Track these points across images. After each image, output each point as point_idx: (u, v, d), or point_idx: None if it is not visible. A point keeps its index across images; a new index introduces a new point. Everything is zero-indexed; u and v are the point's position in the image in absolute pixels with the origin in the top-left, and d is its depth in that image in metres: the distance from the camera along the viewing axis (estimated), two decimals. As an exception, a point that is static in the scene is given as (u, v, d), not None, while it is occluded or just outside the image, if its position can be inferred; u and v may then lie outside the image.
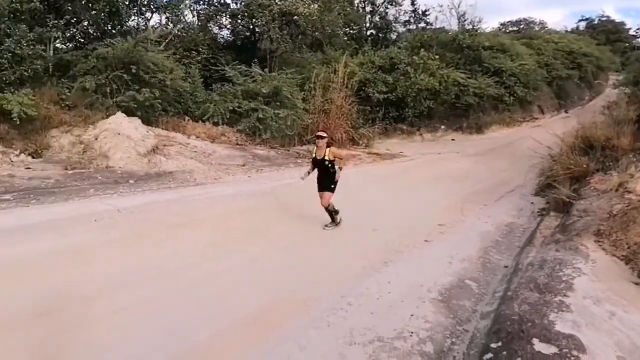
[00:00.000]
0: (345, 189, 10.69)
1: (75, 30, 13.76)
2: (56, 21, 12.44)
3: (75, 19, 13.56)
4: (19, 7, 11.38)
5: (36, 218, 7.11)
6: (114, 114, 11.06)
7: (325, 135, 7.33)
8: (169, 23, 15.80)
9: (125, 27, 14.12)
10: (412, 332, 4.22)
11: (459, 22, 24.34)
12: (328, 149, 7.16)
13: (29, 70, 10.99)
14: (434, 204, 9.59)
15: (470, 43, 20.96)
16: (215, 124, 13.18)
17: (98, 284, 4.96)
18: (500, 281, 5.64)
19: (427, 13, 26.02)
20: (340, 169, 7.20)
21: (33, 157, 9.96)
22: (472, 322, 4.57)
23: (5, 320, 4.13)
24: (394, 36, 25.65)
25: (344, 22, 20.45)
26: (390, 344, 4.03)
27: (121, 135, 10.63)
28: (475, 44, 21.09)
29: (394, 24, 25.90)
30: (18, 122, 9.79)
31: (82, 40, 14.03)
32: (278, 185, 10.60)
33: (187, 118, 12.99)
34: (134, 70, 11.63)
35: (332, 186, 7.18)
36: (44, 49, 11.81)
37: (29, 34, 11.21)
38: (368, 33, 24.91)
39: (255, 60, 15.23)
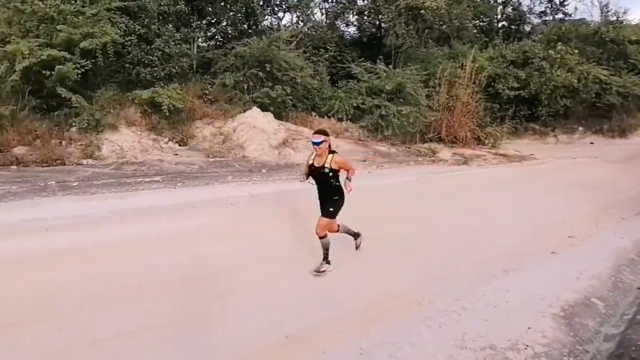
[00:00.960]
0: (465, 190, 10.14)
1: (215, 30, 15.01)
2: (199, 22, 13.72)
3: (215, 20, 14.80)
4: (167, 9, 12.68)
5: (182, 199, 7.97)
6: (250, 108, 11.91)
7: (325, 136, 5.02)
8: (299, 22, 16.52)
9: (260, 26, 15.02)
10: (527, 345, 3.93)
11: (602, 13, 21.79)
12: (331, 155, 4.99)
13: (176, 67, 12.23)
14: (565, 214, 8.68)
15: (614, 37, 18.51)
16: (340, 119, 13.46)
17: (234, 259, 5.37)
18: (631, 303, 5.00)
19: (565, 3, 23.64)
20: (349, 179, 5.05)
21: (179, 145, 11.14)
22: (594, 343, 4.11)
23: (160, 284, 4.65)
24: (527, 28, 23.76)
25: (473, 15, 19.42)
26: (502, 354, 3.79)
27: (256, 128, 11.39)
28: (620, 38, 18.57)
29: (527, 15, 24.00)
30: (167, 114, 11.00)
31: (221, 39, 15.25)
32: (396, 182, 10.53)
33: (313, 114, 13.48)
34: (268, 68, 12.33)
35: (332, 209, 5.00)
36: (188, 47, 13.06)
37: (176, 34, 12.47)
38: (499, 25, 23.40)
39: (381, 56, 15.21)
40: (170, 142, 11.05)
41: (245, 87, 12.43)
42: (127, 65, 11.49)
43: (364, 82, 14.05)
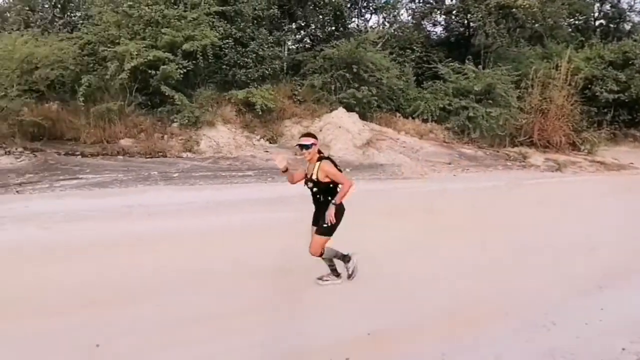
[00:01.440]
0: (559, 198, 9.49)
1: (304, 33, 15.42)
2: (290, 25, 14.16)
3: (304, 23, 15.19)
4: (261, 13, 13.23)
5: (272, 193, 8.32)
6: (336, 109, 12.12)
7: (311, 140, 4.12)
8: (386, 23, 16.55)
9: (347, 29, 15.21)
10: (620, 367, 3.58)
11: None
12: (318, 163, 4.06)
13: (269, 69, 12.71)
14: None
15: None
16: (425, 120, 13.28)
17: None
18: None
19: (672, -1, 21.50)
20: (334, 204, 4.03)
21: (270, 143, 11.57)
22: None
23: (251, 271, 4.74)
24: (627, 27, 22.05)
25: (568, 13, 18.29)
26: (594, 374, 3.51)
27: (341, 128, 11.56)
28: None
29: (628, 13, 22.25)
30: (260, 113, 11.50)
31: (310, 42, 15.64)
32: (483, 187, 10.16)
33: (398, 114, 13.41)
34: (355, 70, 12.46)
35: (325, 225, 4.11)
36: (280, 50, 13.54)
37: (269, 37, 12.98)
38: (596, 24, 21.86)
39: (469, 56, 14.80)
40: (262, 139, 11.51)
41: (333, 88, 12.65)
42: (224, 66, 12.13)
43: (451, 83, 13.74)
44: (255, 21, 13.23)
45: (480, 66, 14.41)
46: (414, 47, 15.10)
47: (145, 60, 10.40)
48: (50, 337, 3.35)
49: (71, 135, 10.46)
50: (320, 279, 4.44)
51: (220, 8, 12.17)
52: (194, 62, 11.19)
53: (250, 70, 12.32)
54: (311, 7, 14.79)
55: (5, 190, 8.11)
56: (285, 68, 13.46)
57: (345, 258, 4.42)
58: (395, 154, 11.69)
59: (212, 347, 3.34)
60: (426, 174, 11.18)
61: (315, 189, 4.12)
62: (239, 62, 12.20)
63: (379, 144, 11.90)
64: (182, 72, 10.81)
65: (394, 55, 14.21)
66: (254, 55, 12.50)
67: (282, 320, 3.92)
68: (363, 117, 12.46)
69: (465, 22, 17.09)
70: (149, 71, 10.66)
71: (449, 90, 13.60)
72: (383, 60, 13.15)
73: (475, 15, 15.68)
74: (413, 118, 13.35)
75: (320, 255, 4.24)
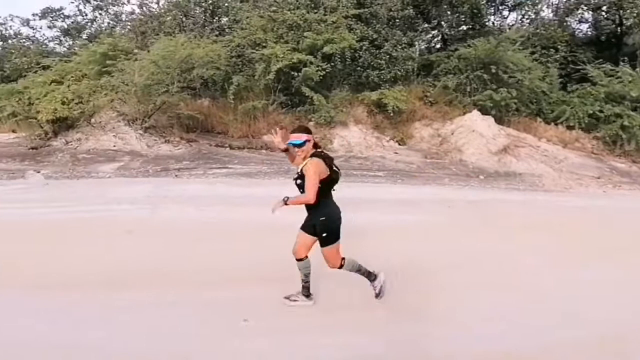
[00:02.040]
0: None
1: (438, 32, 15.07)
2: (425, 25, 13.94)
3: (438, 22, 14.84)
4: (395, 14, 13.22)
5: (402, 195, 8.31)
6: (470, 111, 11.65)
7: (303, 136, 3.55)
8: (525, 20, 15.47)
9: (485, 27, 14.53)
10: None
11: None
12: (308, 160, 3.53)
13: (401, 70, 12.68)
14: None
15: None
16: (570, 127, 12.14)
17: (447, 259, 5.13)
18: None
19: None
20: (285, 201, 3.49)
21: (399, 144, 11.56)
22: None
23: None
24: None
25: None
26: None
27: (475, 132, 11.11)
28: None
29: None
30: (391, 114, 11.54)
31: (443, 41, 15.25)
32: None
33: (538, 119, 12.46)
34: (493, 70, 11.85)
35: (325, 234, 3.63)
36: (412, 50, 13.41)
37: (402, 38, 12.91)
38: None
39: (625, 58, 13.20)
40: (391, 140, 11.56)
41: (468, 90, 12.19)
42: (359, 68, 12.37)
43: (602, 87, 12.34)
44: (389, 22, 13.28)
45: (637, 69, 12.74)
46: (558, 47, 13.83)
47: (289, 62, 11.04)
48: (212, 307, 3.72)
49: (220, 129, 11.56)
50: (287, 298, 3.87)
51: (357, 11, 12.46)
52: (331, 64, 11.61)
53: (382, 71, 12.40)
54: (446, 6, 14.41)
55: (166, 174, 9.30)
56: (416, 69, 13.28)
57: (371, 276, 3.88)
58: (535, 162, 10.92)
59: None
60: (571, 187, 10.28)
61: (299, 181, 3.59)
62: (372, 63, 12.35)
63: (517, 150, 11.21)
64: (321, 74, 11.27)
65: (535, 55, 13.20)
66: (387, 56, 12.54)
67: (400, 322, 3.80)
68: (499, 121, 11.80)
69: (617, 19, 15.20)
70: (291, 73, 11.31)
71: (600, 95, 12.21)
72: (524, 60, 12.31)
73: (629, 12, 13.94)
74: (556, 124, 12.26)
75: (341, 267, 3.73)
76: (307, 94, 11.20)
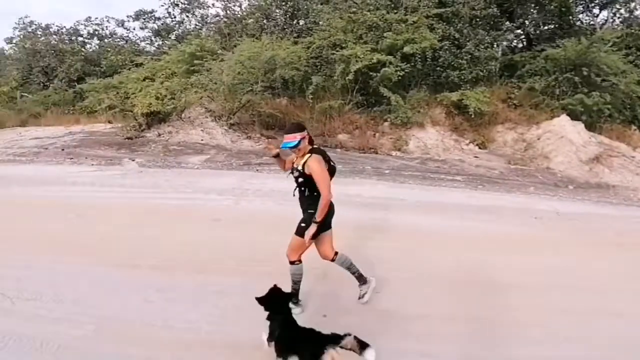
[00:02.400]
0: None
1: (522, 31, 14.42)
2: (509, 24, 13.39)
3: (522, 21, 14.18)
4: (478, 13, 12.79)
5: (483, 201, 8.00)
6: (558, 116, 11.04)
7: (299, 132, 3.50)
8: (617, 19, 14.37)
9: (574, 26, 13.70)
10: None
11: None
12: (307, 156, 3.49)
13: (484, 71, 12.28)
14: None
15: None
16: (672, 137, 11.19)
17: (534, 274, 4.88)
18: None
19: None
20: (315, 222, 3.47)
21: (479, 148, 11.21)
22: None
23: (465, 280, 4.57)
24: None
25: None
26: None
27: (564, 138, 10.52)
28: None
29: None
30: (472, 116, 11.18)
31: (528, 41, 14.58)
32: None
33: (633, 127, 11.58)
34: (585, 73, 11.14)
35: (303, 224, 3.58)
36: (495, 50, 12.95)
37: (485, 38, 12.49)
38: None
39: None
40: (471, 144, 11.24)
41: (556, 93, 11.56)
42: (438, 68, 12.17)
43: None
44: (472, 21, 12.90)
45: None
46: (658, 48, 12.72)
47: (369, 62, 11.08)
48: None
49: (297, 127, 11.86)
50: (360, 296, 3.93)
51: (439, 10, 12.24)
52: (411, 64, 11.51)
53: (464, 72, 12.08)
54: (532, 4, 13.74)
55: (248, 168, 9.69)
56: (498, 69, 12.80)
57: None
58: (630, 174, 10.12)
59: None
60: (670, 203, 9.44)
61: (300, 180, 3.50)
62: (452, 63, 12.08)
63: (610, 160, 10.46)
64: (400, 74, 11.21)
65: (630, 57, 12.24)
66: (469, 56, 12.21)
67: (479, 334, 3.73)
68: (589, 127, 11.07)
69: None
70: (370, 73, 11.34)
71: None
72: (619, 62, 11.46)
73: None
74: (655, 134, 11.34)
75: (293, 262, 3.63)
76: (384, 94, 11.18)
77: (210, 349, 3.25)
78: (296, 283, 3.70)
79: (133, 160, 9.78)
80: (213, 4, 19.64)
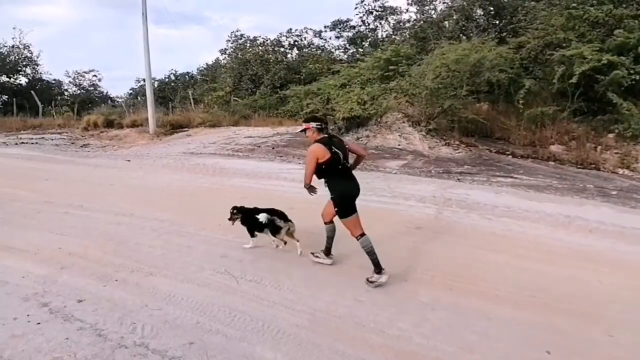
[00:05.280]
0: None
1: None
2: None
3: None
4: None
5: None
6: None
7: (304, 125, 4.29)
8: None
9: None
10: None
11: None
12: (309, 147, 4.25)
13: None
14: None
15: None
16: None
17: None
18: None
19: None
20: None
21: None
22: None
23: None
24: None
25: None
26: None
27: None
28: None
29: None
30: None
31: None
32: None
33: None
34: None
35: (336, 209, 4.23)
36: None
37: None
38: None
39: None
40: None
41: None
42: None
43: None
44: None
45: None
46: None
47: (597, 64, 9.69)
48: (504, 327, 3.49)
49: (500, 135, 11.03)
50: (312, 253, 4.68)
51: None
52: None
53: None
54: None
55: (448, 176, 9.28)
56: None
57: (377, 268, 4.16)
58: None
59: None
60: None
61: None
62: None
63: None
64: (635, 78, 9.55)
65: None
66: None
67: None
68: None
69: None
70: (596, 76, 9.91)
71: None
72: None
73: None
74: None
75: (358, 239, 4.17)
76: (612, 101, 9.62)
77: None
78: (370, 254, 4.13)
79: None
80: (407, 9, 19.70)
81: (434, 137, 11.02)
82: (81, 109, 22.90)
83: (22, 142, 15.54)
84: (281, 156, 11.27)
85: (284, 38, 22.93)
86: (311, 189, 4.22)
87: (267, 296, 3.97)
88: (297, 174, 9.20)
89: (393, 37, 18.53)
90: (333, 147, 4.08)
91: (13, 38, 25.84)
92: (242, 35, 23.35)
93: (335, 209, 4.19)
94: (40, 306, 3.80)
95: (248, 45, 23.01)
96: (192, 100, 21.29)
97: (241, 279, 4.31)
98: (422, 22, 17.11)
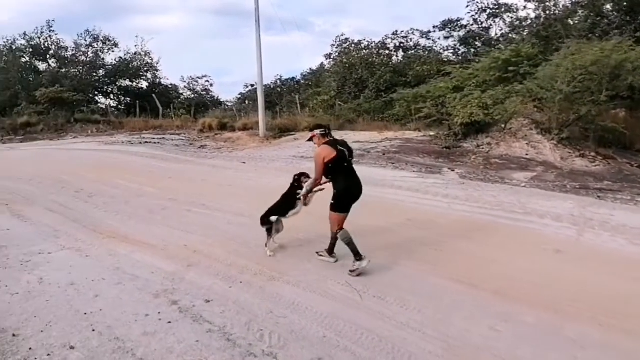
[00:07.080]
0: None
1: None
2: None
3: None
4: None
5: None
6: None
7: (310, 134, 4.76)
8: None
9: None
10: None
11: None
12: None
13: None
14: None
15: None
16: None
17: None
18: None
19: None
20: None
21: None
22: None
23: None
24: None
25: None
26: None
27: None
28: None
29: None
30: None
31: None
32: None
33: None
34: None
35: (332, 201, 4.49)
36: None
37: None
38: None
39: None
40: None
41: None
42: None
43: None
44: None
45: None
46: None
47: None
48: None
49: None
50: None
51: None
52: None
53: None
54: None
55: (586, 193, 8.17)
56: None
57: (357, 256, 4.42)
58: None
59: None
60: None
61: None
62: None
63: None
64: None
65: None
66: None
67: None
68: None
69: None
70: None
71: None
72: None
73: None
74: None
75: (336, 233, 4.51)
76: None
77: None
78: (350, 244, 4.41)
79: (452, 171, 9.58)
80: (525, 6, 18.09)
81: (567, 147, 9.79)
82: (196, 112, 24.56)
83: (146, 142, 16.87)
84: (393, 163, 10.84)
85: (389, 40, 22.47)
86: (310, 193, 4.77)
87: (393, 315, 3.64)
88: (413, 182, 8.75)
89: (510, 35, 17.07)
90: (338, 146, 4.42)
91: (135, 45, 28.17)
92: (346, 39, 23.33)
93: (332, 201, 4.43)
94: (170, 304, 3.83)
95: (352, 49, 22.89)
96: (299, 105, 21.70)
97: (364, 293, 4.03)
98: (543, 19, 15.54)
